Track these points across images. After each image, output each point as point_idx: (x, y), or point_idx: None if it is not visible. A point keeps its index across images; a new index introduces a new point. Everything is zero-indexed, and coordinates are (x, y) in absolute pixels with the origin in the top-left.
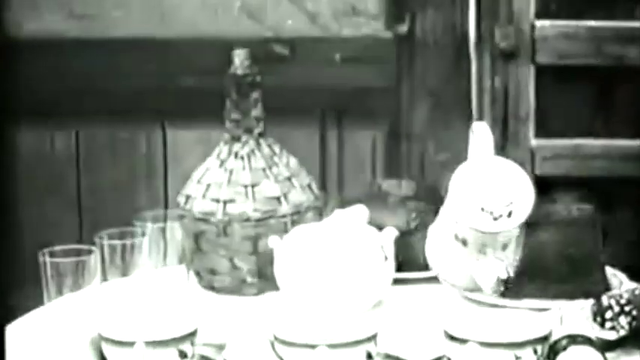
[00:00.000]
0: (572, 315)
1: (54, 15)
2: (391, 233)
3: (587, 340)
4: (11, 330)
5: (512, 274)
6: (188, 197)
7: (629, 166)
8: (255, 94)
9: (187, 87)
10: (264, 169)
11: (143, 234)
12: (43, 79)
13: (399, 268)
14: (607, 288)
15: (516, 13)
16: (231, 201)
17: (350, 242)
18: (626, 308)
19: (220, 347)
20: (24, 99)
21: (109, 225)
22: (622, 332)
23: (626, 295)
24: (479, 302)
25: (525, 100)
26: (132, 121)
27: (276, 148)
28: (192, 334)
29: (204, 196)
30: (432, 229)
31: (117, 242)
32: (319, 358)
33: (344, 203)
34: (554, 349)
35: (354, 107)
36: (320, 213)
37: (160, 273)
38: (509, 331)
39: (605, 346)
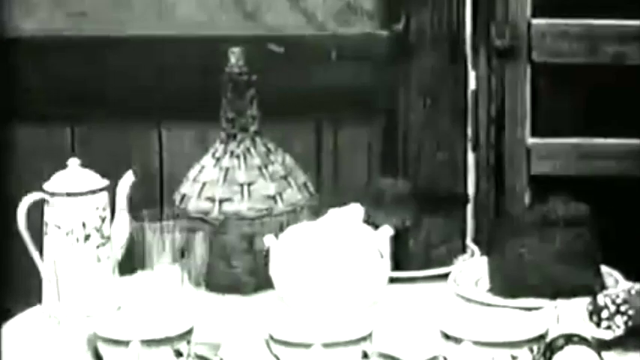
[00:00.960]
0: (569, 314)
1: (51, 13)
2: (387, 232)
3: (583, 340)
4: (8, 329)
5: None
6: (184, 196)
7: (625, 165)
8: (250, 93)
9: (183, 85)
10: (259, 168)
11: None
12: (39, 77)
13: (394, 267)
14: (603, 287)
15: (512, 11)
16: (227, 200)
17: (345, 241)
18: (622, 308)
19: (216, 346)
20: (21, 97)
21: None
22: (618, 332)
23: (621, 295)
24: (475, 301)
25: (521, 99)
26: (128, 120)
27: (272, 147)
28: (188, 333)
29: (199, 194)
30: None
31: None
32: (314, 357)
33: (340, 202)
34: (550, 349)
35: (349, 106)
36: (315, 212)
37: (156, 272)
38: (505, 330)
39: (601, 346)
